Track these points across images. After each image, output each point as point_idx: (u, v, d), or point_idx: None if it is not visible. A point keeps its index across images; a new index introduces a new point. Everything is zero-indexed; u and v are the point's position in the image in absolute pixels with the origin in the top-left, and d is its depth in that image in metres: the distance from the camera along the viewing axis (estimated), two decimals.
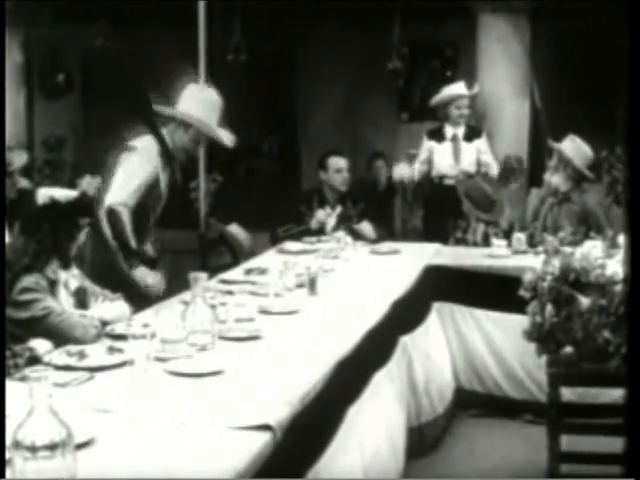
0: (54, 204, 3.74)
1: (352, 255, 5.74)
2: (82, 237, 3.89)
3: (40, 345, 3.28)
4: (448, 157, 7.40)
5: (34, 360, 3.12)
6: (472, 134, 7.47)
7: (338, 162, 6.64)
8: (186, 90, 5.07)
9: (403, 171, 7.57)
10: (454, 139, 7.44)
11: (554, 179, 6.18)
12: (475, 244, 6.32)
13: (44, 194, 3.78)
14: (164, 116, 4.97)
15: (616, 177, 7.62)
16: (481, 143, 7.46)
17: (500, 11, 7.72)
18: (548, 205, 6.20)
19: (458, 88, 7.52)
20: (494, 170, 7.39)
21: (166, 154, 4.93)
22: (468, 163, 7.40)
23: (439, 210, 7.31)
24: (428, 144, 7.52)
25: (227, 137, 5.06)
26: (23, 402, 2.03)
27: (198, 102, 4.97)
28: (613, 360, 4.03)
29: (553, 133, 7.74)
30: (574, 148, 6.17)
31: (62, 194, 3.83)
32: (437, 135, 7.53)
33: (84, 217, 3.95)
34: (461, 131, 7.45)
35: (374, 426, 3.81)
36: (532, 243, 5.84)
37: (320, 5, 8.72)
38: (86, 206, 3.90)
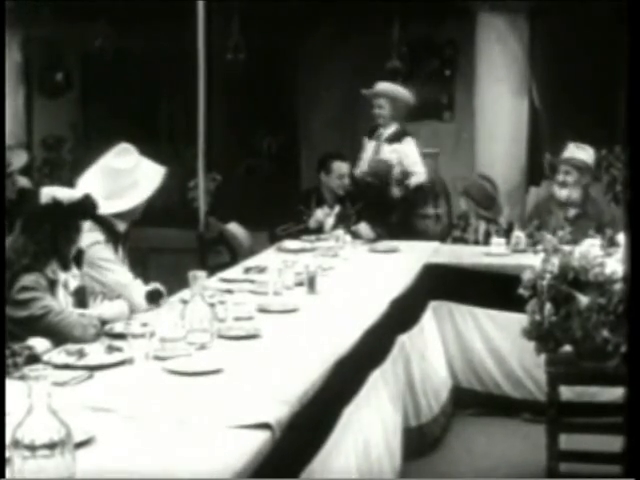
0: (56, 205, 3.73)
1: (351, 253, 5.74)
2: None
3: (38, 344, 3.29)
4: (367, 156, 7.26)
5: (33, 359, 3.13)
6: (395, 137, 7.17)
7: (341, 167, 6.62)
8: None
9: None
10: (378, 138, 7.32)
11: (564, 192, 6.16)
12: (476, 242, 6.31)
13: (47, 194, 3.76)
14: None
15: (615, 176, 7.62)
16: (401, 148, 7.13)
17: (499, 10, 7.71)
18: (563, 221, 6.13)
19: (375, 86, 7.30)
20: (418, 178, 7.03)
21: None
22: None
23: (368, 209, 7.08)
24: (364, 141, 7.38)
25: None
26: (22, 401, 2.03)
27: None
28: (612, 359, 4.04)
29: (552, 132, 7.76)
30: (587, 155, 6.21)
31: (65, 195, 3.81)
32: (371, 133, 7.33)
33: (85, 219, 3.95)
34: (388, 132, 7.20)
35: (369, 426, 3.82)
36: (532, 241, 5.84)
37: (319, 4, 8.71)
38: (88, 208, 3.89)
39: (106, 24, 9.15)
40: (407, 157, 7.11)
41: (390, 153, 7.15)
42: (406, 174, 7.05)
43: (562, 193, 6.20)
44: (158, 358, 3.24)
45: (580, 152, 6.23)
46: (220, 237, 7.54)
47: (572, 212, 6.19)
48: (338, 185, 6.59)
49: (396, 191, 7.00)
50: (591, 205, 6.24)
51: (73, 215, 3.79)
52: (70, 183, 4.54)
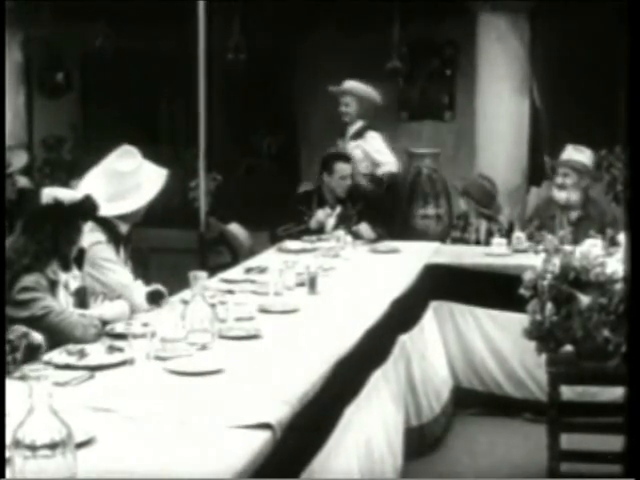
0: (57, 205, 3.73)
1: (352, 254, 5.74)
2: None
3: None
4: None
5: (31, 353, 3.12)
6: (358, 133, 7.23)
7: (345, 169, 6.60)
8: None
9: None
10: (344, 137, 7.31)
11: (563, 195, 6.15)
12: (478, 242, 6.31)
13: (48, 194, 3.76)
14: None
15: (615, 176, 7.62)
16: (364, 142, 7.20)
17: (500, 10, 7.71)
18: (565, 224, 6.12)
19: (343, 84, 7.32)
20: (387, 167, 7.12)
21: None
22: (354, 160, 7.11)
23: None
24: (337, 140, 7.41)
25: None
26: (23, 401, 2.03)
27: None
28: (613, 359, 4.04)
29: (552, 132, 7.75)
30: (586, 157, 6.19)
31: (66, 195, 3.81)
32: (340, 132, 7.40)
33: (86, 220, 3.95)
34: (353, 129, 7.26)
35: (371, 426, 3.82)
36: (534, 242, 5.83)
37: (320, 4, 8.71)
38: (89, 209, 3.89)
39: (106, 24, 9.14)
40: (372, 149, 7.17)
41: (354, 149, 7.19)
42: (375, 165, 7.09)
43: (561, 195, 6.19)
44: (159, 358, 3.24)
45: (578, 154, 6.21)
46: (221, 237, 7.55)
47: (574, 215, 6.18)
48: (342, 187, 6.57)
49: (363, 180, 7.03)
50: (593, 207, 6.23)
51: (74, 216, 3.79)
52: (70, 184, 4.55)
